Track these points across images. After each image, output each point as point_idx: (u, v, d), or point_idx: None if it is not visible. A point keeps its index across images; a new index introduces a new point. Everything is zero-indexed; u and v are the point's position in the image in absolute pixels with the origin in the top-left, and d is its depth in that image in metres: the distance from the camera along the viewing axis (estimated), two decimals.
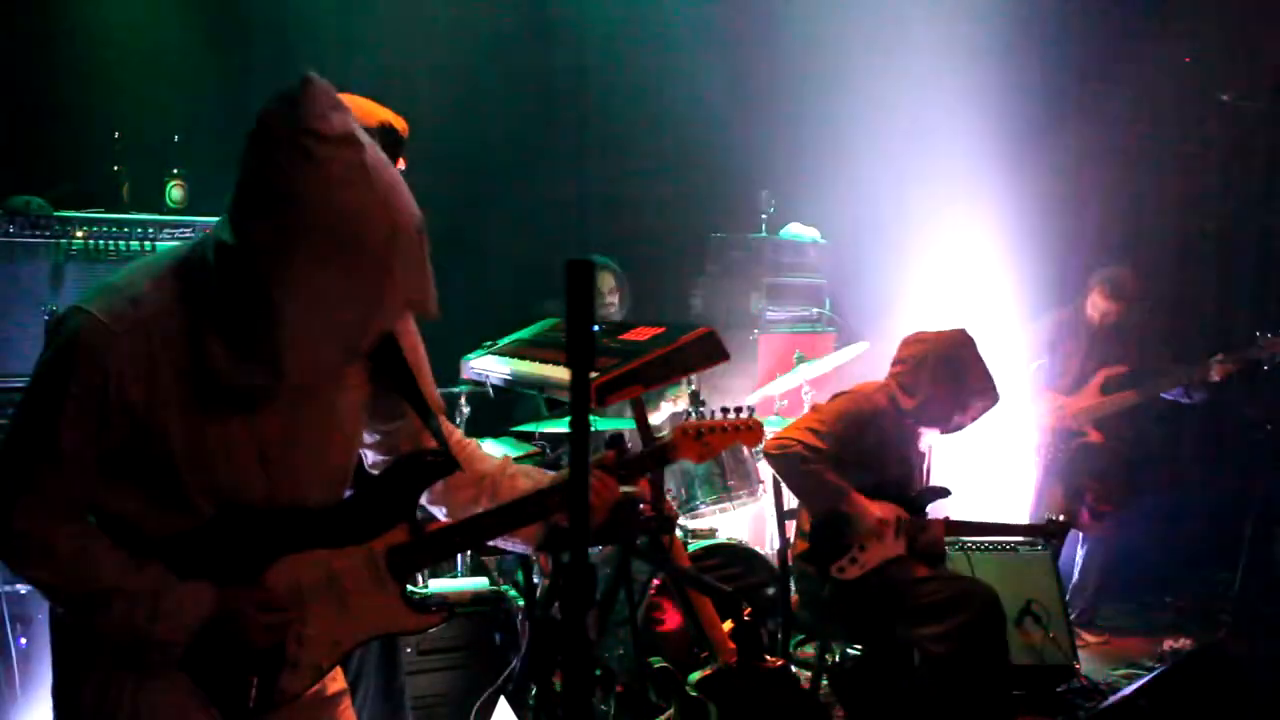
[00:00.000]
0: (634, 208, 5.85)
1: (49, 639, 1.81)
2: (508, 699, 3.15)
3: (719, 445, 2.27)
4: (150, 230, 4.14)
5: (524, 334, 3.32)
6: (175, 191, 4.31)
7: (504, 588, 4.01)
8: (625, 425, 4.23)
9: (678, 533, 3.65)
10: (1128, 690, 3.52)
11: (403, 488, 1.95)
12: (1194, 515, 5.95)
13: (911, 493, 3.85)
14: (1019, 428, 5.60)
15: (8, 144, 4.42)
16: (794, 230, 6.11)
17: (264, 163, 1.63)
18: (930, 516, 3.87)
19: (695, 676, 2.89)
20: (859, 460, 3.75)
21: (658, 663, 3.69)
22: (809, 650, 4.31)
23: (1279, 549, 5.63)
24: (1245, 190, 6.10)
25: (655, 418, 4.80)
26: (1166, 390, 5.30)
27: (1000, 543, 4.73)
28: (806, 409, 4.73)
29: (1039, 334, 5.61)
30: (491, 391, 3.30)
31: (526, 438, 4.39)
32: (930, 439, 4.00)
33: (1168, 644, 5.04)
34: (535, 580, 3.64)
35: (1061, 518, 4.20)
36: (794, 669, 3.54)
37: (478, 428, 4.56)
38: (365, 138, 1.69)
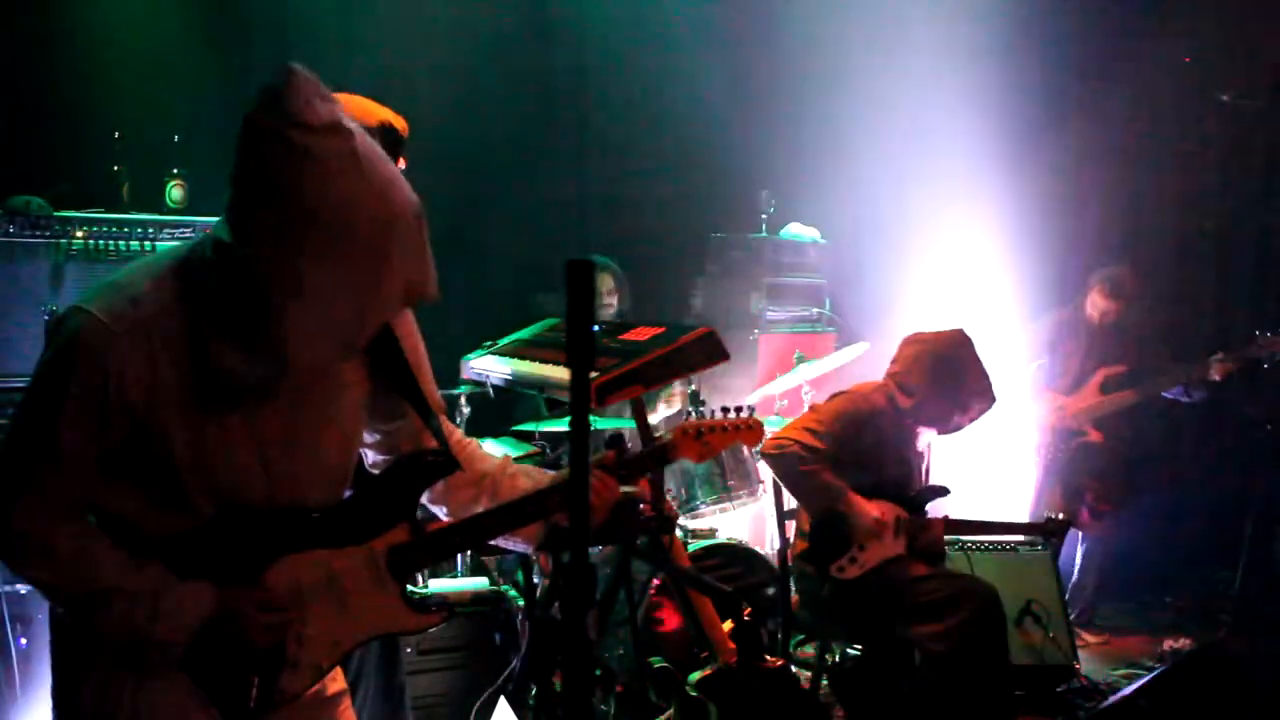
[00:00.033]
0: (634, 208, 5.86)
1: (49, 639, 1.81)
2: (508, 699, 3.16)
3: (719, 445, 2.27)
4: (150, 230, 4.14)
5: (524, 334, 3.32)
6: (175, 191, 4.31)
7: (504, 588, 4.01)
8: (626, 425, 4.23)
9: (678, 533, 3.65)
10: (1128, 690, 3.52)
11: (403, 487, 1.95)
12: (1194, 514, 5.95)
13: (910, 492, 3.85)
14: (1019, 428, 5.60)
15: (8, 144, 4.42)
16: (794, 230, 6.11)
17: (254, 158, 1.63)
18: (929, 515, 3.87)
19: (695, 676, 2.90)
20: (857, 460, 3.75)
21: (658, 663, 3.69)
22: (809, 650, 4.31)
23: (1279, 548, 5.63)
24: (1244, 189, 6.11)
25: (651, 419, 4.80)
26: (1166, 389, 5.30)
27: (1000, 543, 4.73)
28: (806, 409, 4.73)
29: (1038, 333, 5.61)
30: (491, 391, 3.30)
31: (526, 438, 4.39)
32: (928, 438, 4.00)
33: (1168, 644, 5.04)
34: (535, 580, 3.64)
35: (1060, 516, 4.20)
36: (794, 669, 3.54)
37: (478, 428, 4.56)
38: (353, 125, 1.68)
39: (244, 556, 1.79)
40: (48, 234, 3.99)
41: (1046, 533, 4.22)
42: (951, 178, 6.03)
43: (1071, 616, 4.76)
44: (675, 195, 5.98)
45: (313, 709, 1.91)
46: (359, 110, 2.59)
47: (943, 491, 3.90)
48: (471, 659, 3.81)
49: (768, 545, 5.03)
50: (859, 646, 4.04)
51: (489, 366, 3.17)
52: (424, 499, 2.03)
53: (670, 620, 4.00)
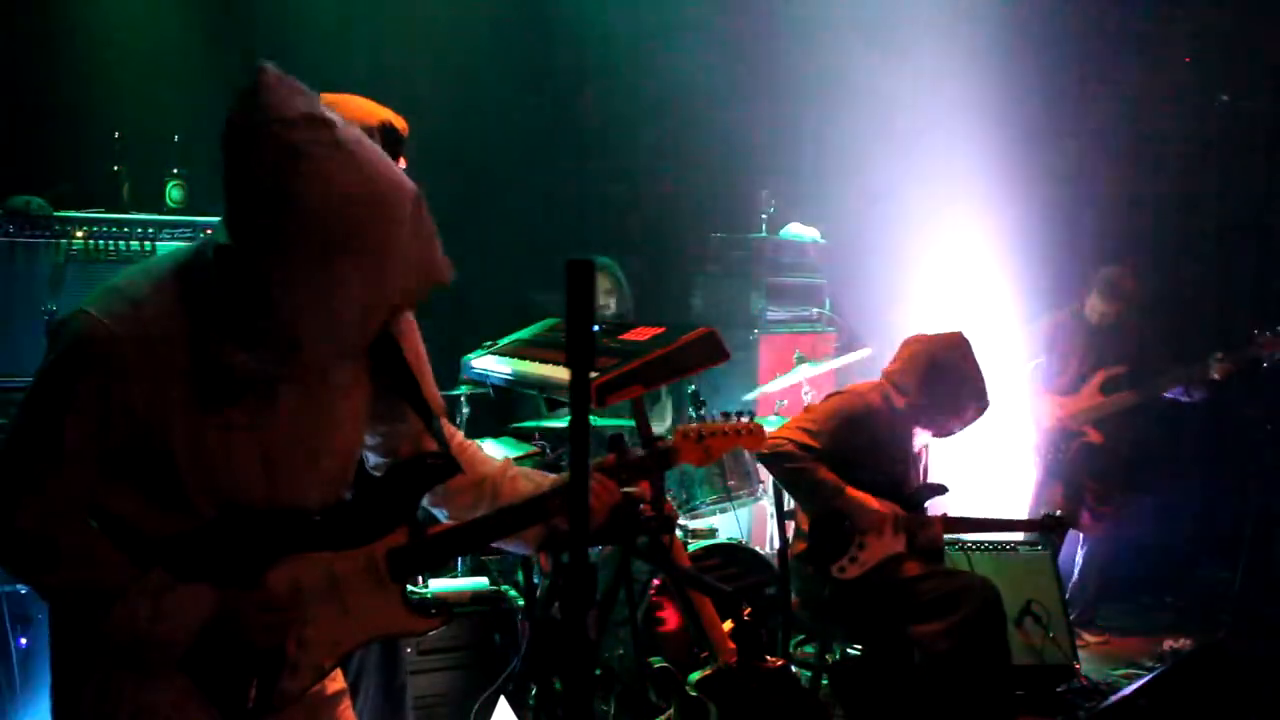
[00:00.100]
0: (634, 208, 5.86)
1: (49, 639, 1.81)
2: (508, 699, 3.16)
3: (720, 449, 2.28)
4: (150, 230, 4.14)
5: (524, 334, 3.32)
6: (175, 191, 4.31)
7: (504, 588, 4.01)
8: (626, 424, 4.22)
9: (678, 533, 3.65)
10: (1128, 690, 3.51)
11: (404, 490, 1.95)
12: (1194, 515, 5.95)
13: (908, 491, 3.85)
14: (1018, 428, 5.60)
15: (8, 144, 4.42)
16: (794, 230, 6.11)
17: (240, 160, 1.63)
18: (928, 514, 3.87)
19: (695, 676, 2.89)
20: (853, 459, 3.75)
21: (658, 663, 3.69)
22: (809, 650, 4.31)
23: (1279, 549, 5.63)
24: (1245, 189, 6.10)
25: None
26: (1166, 390, 5.29)
27: (1000, 543, 4.73)
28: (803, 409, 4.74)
29: (1038, 334, 5.61)
30: (492, 391, 3.30)
31: (526, 437, 4.39)
32: (924, 439, 4.01)
33: (1168, 644, 5.05)
34: (535, 580, 3.64)
35: (1059, 512, 4.20)
36: (794, 669, 3.54)
37: (478, 428, 4.56)
38: (332, 115, 1.66)
39: (245, 558, 1.79)
40: (48, 234, 3.98)
41: (1045, 529, 4.22)
42: (951, 177, 6.03)
43: (1071, 616, 4.76)
44: (675, 195, 5.99)
45: (313, 709, 1.91)
46: (359, 110, 2.59)
47: (940, 490, 3.90)
48: (471, 659, 3.81)
49: (768, 545, 5.03)
50: (859, 646, 4.04)
51: (489, 366, 3.17)
52: (425, 501, 2.03)
53: (670, 620, 4.00)
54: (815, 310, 6.04)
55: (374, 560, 1.89)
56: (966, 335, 3.90)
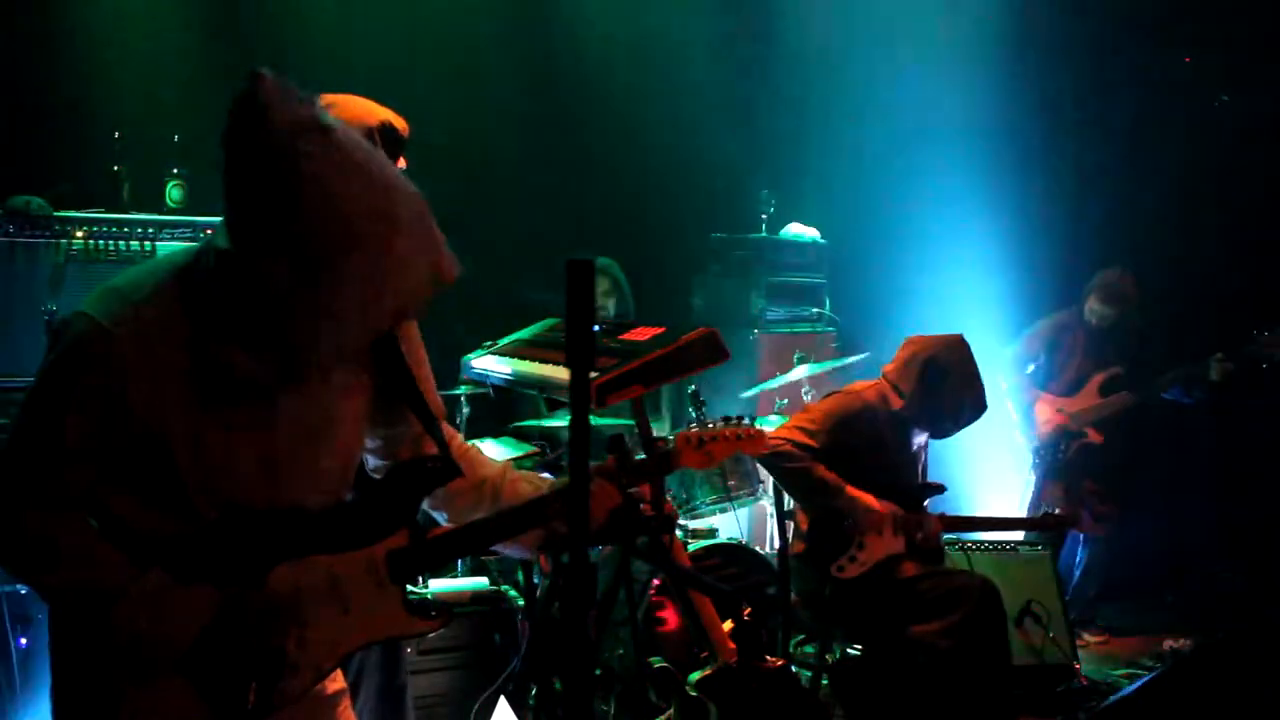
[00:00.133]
0: (634, 208, 5.85)
1: (49, 639, 1.81)
2: (508, 699, 3.16)
3: (721, 454, 2.28)
4: (150, 230, 4.14)
5: (524, 334, 3.32)
6: (175, 191, 4.31)
7: (504, 588, 4.02)
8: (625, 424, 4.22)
9: (678, 533, 3.65)
10: (1128, 690, 3.52)
11: (404, 493, 1.95)
12: (1194, 515, 5.95)
13: (907, 490, 3.86)
14: (1018, 430, 5.60)
15: (8, 144, 4.42)
16: (794, 230, 6.11)
17: (238, 168, 1.62)
18: (927, 513, 3.87)
19: (695, 676, 2.89)
20: (852, 458, 3.76)
21: (658, 663, 3.69)
22: (809, 650, 4.31)
23: (1279, 548, 5.63)
24: (1245, 189, 6.10)
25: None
26: (1166, 390, 5.30)
27: (1000, 543, 4.73)
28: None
29: (1038, 335, 5.61)
30: (492, 391, 3.30)
31: (526, 437, 4.39)
32: (923, 439, 4.01)
33: (1168, 644, 5.05)
34: (535, 580, 3.64)
35: (1059, 510, 4.20)
36: (794, 669, 3.55)
37: (478, 428, 4.56)
38: (332, 120, 1.65)
39: (245, 559, 1.79)
40: (48, 234, 3.98)
41: (1045, 528, 4.23)
42: (952, 177, 6.03)
43: (1071, 616, 4.76)
44: (675, 195, 5.98)
45: (312, 709, 1.91)
46: (359, 110, 2.58)
47: (939, 489, 3.91)
48: (471, 659, 3.81)
49: (768, 545, 5.04)
50: (859, 646, 4.05)
51: (489, 366, 3.17)
52: (425, 504, 2.03)
53: (670, 620, 4.00)
54: (815, 310, 6.04)
55: (374, 562, 1.89)
56: (965, 338, 3.91)
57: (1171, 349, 5.44)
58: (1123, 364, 5.40)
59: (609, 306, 5.05)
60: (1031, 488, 5.50)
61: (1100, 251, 5.85)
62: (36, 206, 4.00)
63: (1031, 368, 5.59)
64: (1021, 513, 5.40)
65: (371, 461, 2.07)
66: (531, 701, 3.37)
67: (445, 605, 2.35)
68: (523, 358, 3.06)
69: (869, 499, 3.71)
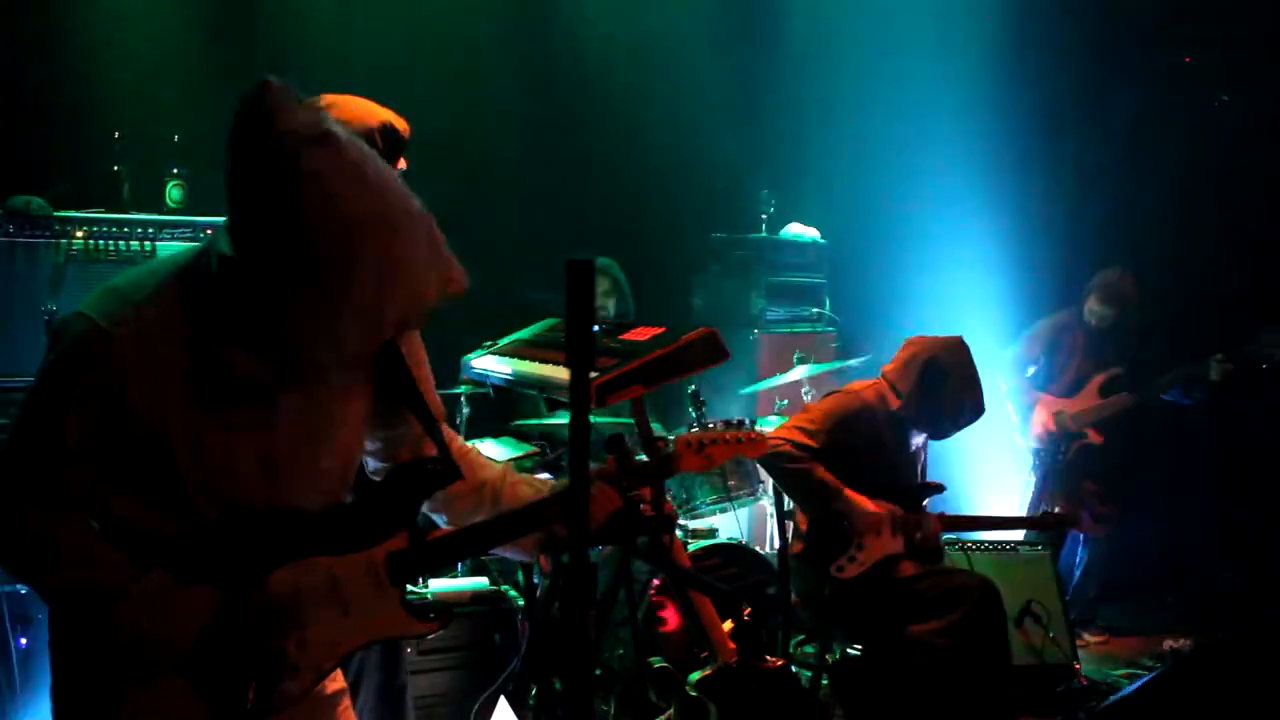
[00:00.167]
0: (634, 208, 5.85)
1: (49, 639, 1.81)
2: (508, 699, 3.16)
3: (721, 457, 2.28)
4: (150, 230, 4.13)
5: (524, 334, 3.31)
6: (175, 191, 4.30)
7: (504, 588, 4.01)
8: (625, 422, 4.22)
9: (678, 533, 3.65)
10: (1128, 690, 3.52)
11: (404, 495, 1.95)
12: (1194, 515, 5.95)
13: (906, 490, 3.86)
14: (1018, 431, 5.60)
15: (8, 144, 4.42)
16: (794, 230, 6.12)
17: (243, 176, 1.62)
18: (927, 513, 3.87)
19: (695, 676, 2.89)
20: (851, 458, 3.76)
21: (658, 663, 3.69)
22: (809, 650, 4.31)
23: (1279, 548, 5.63)
24: (1245, 189, 6.10)
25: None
26: (1166, 391, 5.30)
27: (1000, 543, 4.73)
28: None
29: (1038, 336, 5.61)
30: (491, 391, 3.30)
31: (526, 438, 4.39)
32: (921, 439, 4.01)
33: (1168, 644, 5.05)
34: (535, 580, 3.64)
35: (1058, 509, 4.20)
36: (794, 669, 3.55)
37: (478, 428, 4.56)
38: (339, 129, 1.66)
39: (246, 560, 1.79)
40: (48, 234, 3.98)
41: (1045, 527, 4.23)
42: (952, 177, 6.03)
43: (1071, 616, 4.76)
44: (675, 195, 5.99)
45: (312, 709, 1.91)
46: (360, 110, 2.58)
47: (938, 488, 3.91)
48: (471, 659, 3.81)
49: (768, 545, 5.04)
50: (859, 646, 4.05)
51: (489, 366, 3.17)
52: (425, 506, 2.03)
53: (670, 620, 4.00)
54: (815, 310, 6.04)
55: (374, 564, 1.89)
56: (965, 340, 3.91)
57: (1171, 349, 5.44)
58: (1122, 364, 5.40)
59: (609, 306, 5.05)
60: (1031, 489, 5.50)
61: (1100, 251, 5.85)
62: (36, 206, 4.00)
63: (1032, 370, 5.59)
64: (1022, 514, 5.40)
65: (371, 463, 2.07)
66: (531, 701, 3.37)
67: (445, 606, 2.36)
68: (523, 358, 3.06)
69: (866, 502, 3.71)
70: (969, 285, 6.03)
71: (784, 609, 3.91)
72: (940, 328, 4.05)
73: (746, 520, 5.02)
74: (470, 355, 3.31)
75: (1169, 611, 5.71)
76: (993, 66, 6.03)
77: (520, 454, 4.15)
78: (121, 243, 4.08)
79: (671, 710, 3.48)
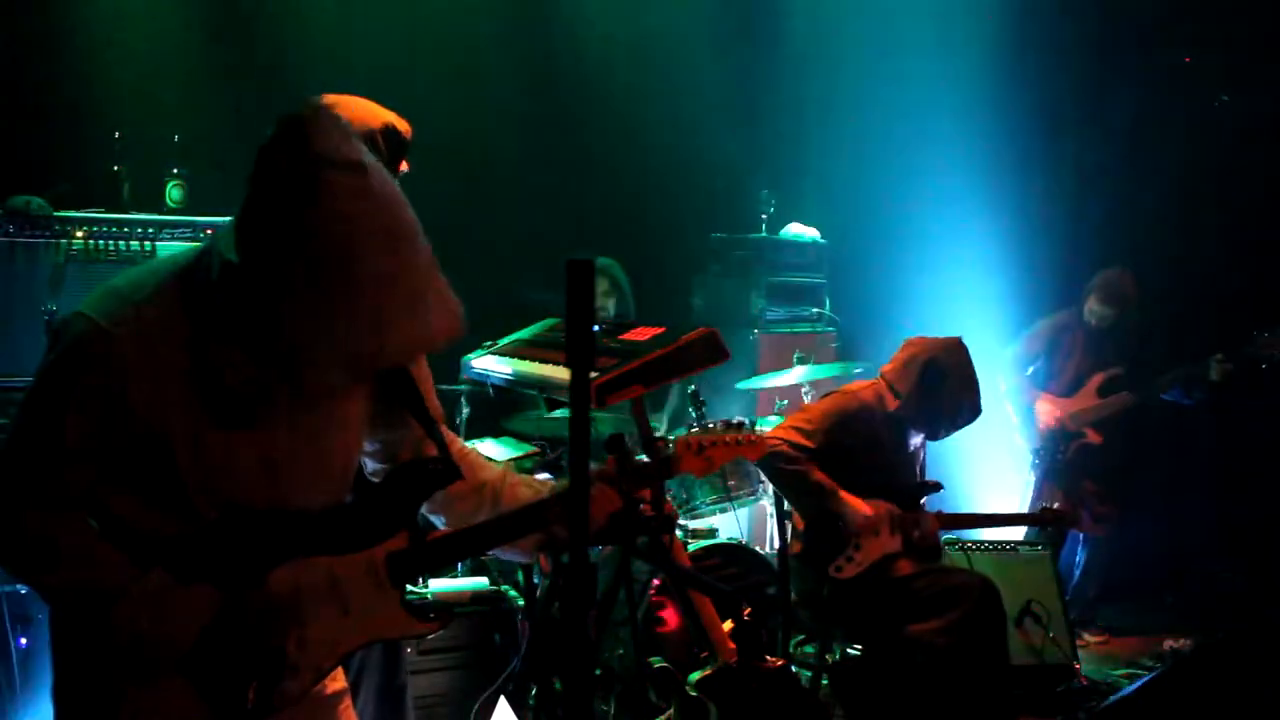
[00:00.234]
0: (634, 208, 5.86)
1: (49, 639, 1.81)
2: (508, 699, 3.16)
3: (721, 459, 2.29)
4: (150, 230, 4.13)
5: (524, 334, 3.31)
6: (175, 191, 4.30)
7: (504, 588, 4.01)
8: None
9: (678, 533, 3.65)
10: (1128, 690, 3.52)
11: (404, 495, 1.95)
12: (1194, 515, 5.95)
13: (904, 489, 3.86)
14: (1018, 431, 5.60)
15: (8, 144, 4.42)
16: (794, 230, 6.12)
17: (271, 190, 1.63)
18: (925, 512, 3.87)
19: (695, 676, 2.89)
20: (847, 458, 3.76)
21: (658, 663, 3.69)
22: (809, 650, 4.31)
23: (1279, 548, 5.63)
24: (1245, 189, 6.11)
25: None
26: (1165, 391, 5.29)
27: (1000, 542, 4.73)
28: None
29: (1038, 336, 5.61)
30: (491, 391, 3.29)
31: (526, 438, 4.38)
32: (920, 439, 4.01)
33: (1168, 644, 5.05)
34: (535, 580, 3.64)
35: (1057, 505, 4.20)
36: (794, 669, 3.55)
37: (477, 428, 4.56)
38: (372, 161, 1.68)
39: (246, 560, 1.79)
40: (48, 234, 3.98)
41: (1044, 524, 4.22)
42: (952, 177, 6.03)
43: (1071, 616, 4.76)
44: (675, 195, 5.99)
45: (313, 709, 1.91)
46: (362, 112, 2.58)
47: (936, 487, 3.91)
48: (471, 659, 3.81)
49: (768, 545, 5.03)
50: (859, 646, 4.05)
51: (489, 366, 3.17)
52: (424, 507, 2.03)
53: (670, 620, 4.00)
54: (815, 310, 6.05)
55: (374, 564, 1.89)
56: (964, 341, 3.91)
57: (1171, 349, 5.44)
58: (1122, 364, 5.40)
59: (609, 307, 5.05)
60: (1031, 488, 5.50)
61: (1100, 251, 5.85)
62: (36, 206, 4.00)
63: (1031, 369, 5.59)
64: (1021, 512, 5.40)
65: (370, 464, 2.07)
66: (531, 701, 3.37)
67: (445, 606, 2.36)
68: (523, 358, 3.05)
69: (860, 504, 3.70)
70: (969, 285, 6.03)
71: (784, 609, 3.91)
72: (940, 328, 4.05)
73: (746, 520, 5.02)
74: (470, 355, 3.31)
75: (1169, 611, 5.71)
76: (993, 66, 6.03)
77: (520, 454, 4.15)
78: (121, 243, 4.08)
79: (671, 710, 3.48)
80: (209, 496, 1.76)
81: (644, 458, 2.31)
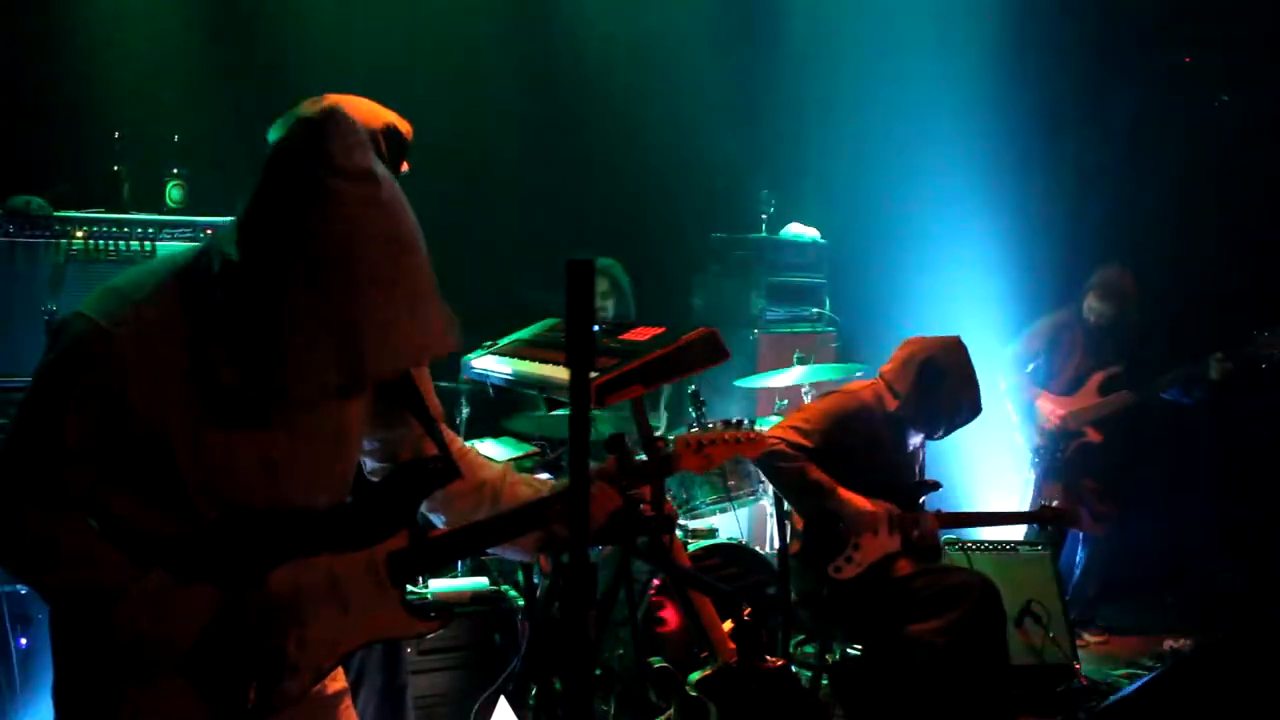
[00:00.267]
0: (634, 208, 5.86)
1: (49, 639, 1.81)
2: (508, 699, 3.16)
3: (720, 457, 2.29)
4: (150, 230, 4.13)
5: (524, 334, 3.31)
6: (175, 191, 4.30)
7: (504, 588, 4.01)
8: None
9: (678, 533, 3.65)
10: (1128, 690, 3.52)
11: (404, 494, 1.96)
12: (1194, 514, 5.95)
13: (903, 488, 3.85)
14: (1018, 430, 5.60)
15: (8, 144, 4.42)
16: (794, 230, 6.12)
17: (281, 192, 1.64)
18: (924, 511, 3.87)
19: (695, 676, 2.89)
20: (846, 457, 3.76)
21: (658, 663, 3.69)
22: (809, 650, 4.31)
23: (1279, 548, 5.63)
24: (1245, 189, 6.11)
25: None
26: (1165, 390, 5.29)
27: (1000, 542, 4.73)
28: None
29: (1037, 334, 5.61)
30: (491, 391, 3.30)
31: (526, 438, 4.38)
32: (919, 439, 4.01)
33: (1168, 644, 5.05)
34: (535, 580, 3.64)
35: (1056, 504, 4.19)
36: (794, 669, 3.55)
37: (477, 427, 4.56)
38: (383, 171, 1.69)
39: (246, 560, 1.79)
40: (48, 234, 3.98)
41: (1043, 522, 4.22)
42: (952, 177, 6.03)
43: (1071, 616, 4.76)
44: (675, 195, 5.99)
45: (313, 709, 1.91)
46: (363, 112, 2.57)
47: (934, 486, 3.91)
48: (471, 659, 3.81)
49: (768, 545, 5.03)
50: (859, 646, 4.05)
51: (489, 366, 3.17)
52: (424, 506, 2.03)
53: (670, 620, 4.00)
54: (815, 310, 6.05)
55: (374, 563, 1.89)
56: (962, 340, 3.91)
57: (1171, 349, 5.44)
58: (1122, 363, 5.40)
59: (608, 307, 5.05)
60: (1031, 487, 5.50)
61: (1100, 251, 5.85)
62: (36, 206, 4.00)
63: (1031, 367, 5.59)
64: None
65: (369, 464, 2.07)
66: (531, 701, 3.37)
67: (445, 605, 2.36)
68: (523, 358, 3.06)
69: (861, 500, 3.70)
70: (969, 285, 6.03)
71: (784, 609, 3.91)
72: (940, 328, 4.05)
73: (746, 520, 5.02)
74: (470, 355, 3.31)
75: (1169, 611, 5.71)
76: (993, 66, 6.03)
77: (520, 454, 4.15)
78: (121, 243, 4.08)
79: (671, 710, 3.48)
80: (209, 496, 1.76)
81: (644, 457, 2.31)
